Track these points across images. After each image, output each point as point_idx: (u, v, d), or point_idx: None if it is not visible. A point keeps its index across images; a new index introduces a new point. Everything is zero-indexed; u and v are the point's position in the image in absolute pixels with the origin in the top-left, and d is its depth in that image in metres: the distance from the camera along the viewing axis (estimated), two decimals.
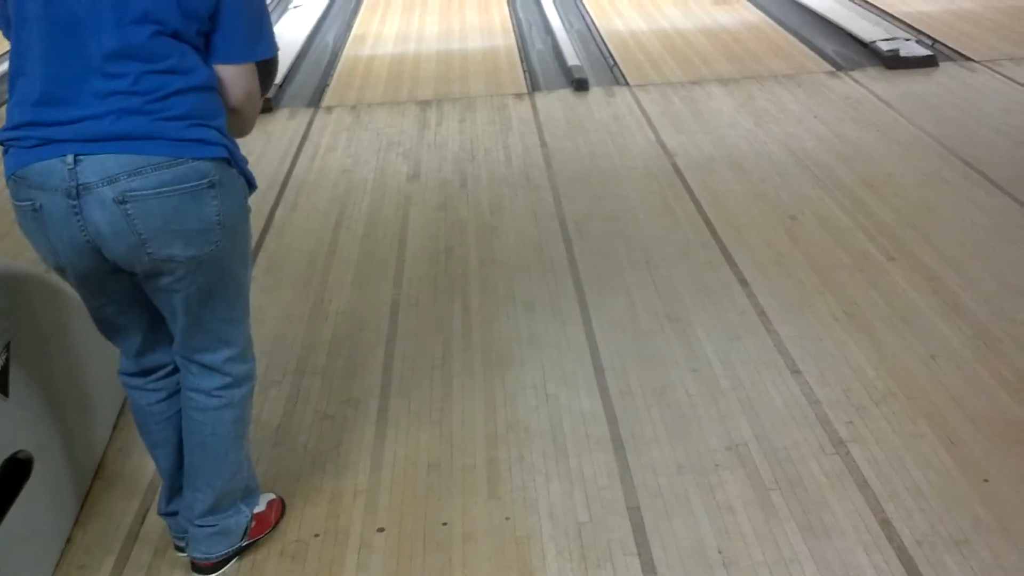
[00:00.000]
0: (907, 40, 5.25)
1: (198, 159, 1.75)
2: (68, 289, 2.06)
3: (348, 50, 6.02)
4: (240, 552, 2.10)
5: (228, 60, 1.80)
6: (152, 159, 1.71)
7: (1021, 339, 2.65)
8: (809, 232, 3.34)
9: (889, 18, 5.88)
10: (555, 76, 5.26)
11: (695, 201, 3.62)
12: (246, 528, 2.11)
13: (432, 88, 5.22)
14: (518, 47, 5.89)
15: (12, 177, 1.75)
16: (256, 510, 2.14)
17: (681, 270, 3.13)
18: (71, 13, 1.70)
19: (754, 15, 6.27)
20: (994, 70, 4.89)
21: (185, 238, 1.78)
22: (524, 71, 5.40)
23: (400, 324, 2.92)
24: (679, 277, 3.08)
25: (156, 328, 1.98)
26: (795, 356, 2.63)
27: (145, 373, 2.04)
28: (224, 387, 1.99)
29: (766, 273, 3.06)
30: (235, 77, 1.81)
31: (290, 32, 6.18)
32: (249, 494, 2.13)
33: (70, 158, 1.70)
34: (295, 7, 6.97)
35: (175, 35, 1.72)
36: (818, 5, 6.17)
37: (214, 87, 1.79)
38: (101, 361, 2.38)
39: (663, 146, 4.17)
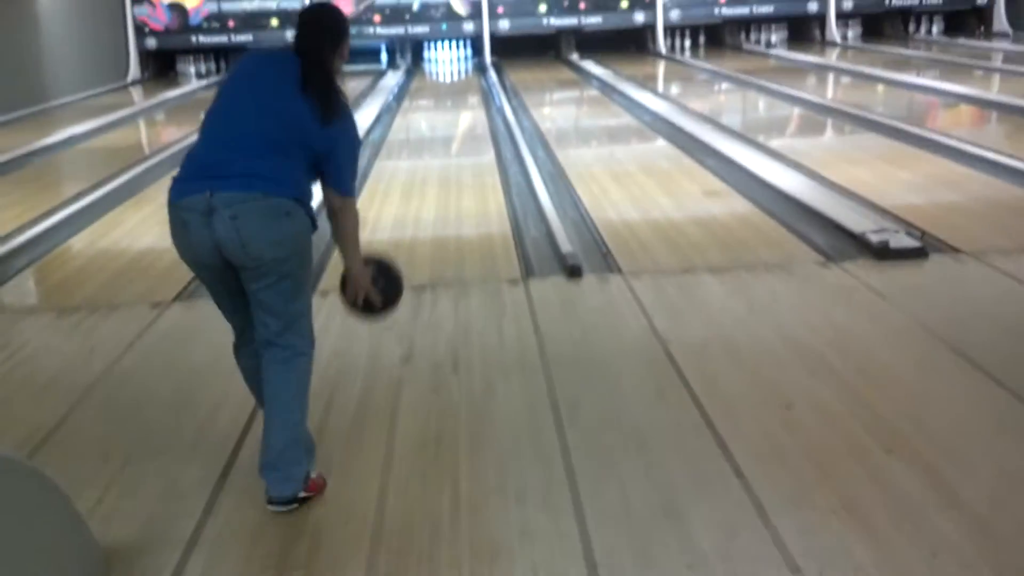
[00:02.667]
0: (896, 232, 5.33)
1: (279, 197, 2.80)
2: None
3: None
4: (301, 501, 2.88)
5: (337, 190, 2.98)
6: (253, 194, 2.78)
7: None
8: (805, 421, 3.31)
9: (877, 210, 5.99)
10: (549, 262, 5.32)
11: (689, 388, 3.59)
12: (305, 478, 2.91)
13: (427, 272, 5.27)
14: (512, 233, 5.99)
15: (173, 205, 2.85)
16: (311, 471, 2.95)
17: (675, 459, 3.07)
18: (244, 125, 2.88)
19: (744, 206, 6.40)
20: (983, 261, 4.95)
21: (269, 245, 2.79)
22: (518, 257, 5.47)
23: (387, 514, 2.84)
24: (673, 466, 3.03)
25: (248, 315, 2.95)
26: (794, 552, 2.54)
27: (243, 344, 3.06)
28: (288, 357, 2.92)
29: (763, 463, 3.01)
30: (334, 198, 2.98)
31: None
32: (308, 453, 2.96)
33: (207, 193, 2.78)
34: None
35: (296, 156, 2.87)
36: (807, 197, 6.30)
37: (308, 191, 2.92)
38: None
39: (656, 333, 4.17)
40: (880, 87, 12.65)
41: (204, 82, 17.23)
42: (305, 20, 3.04)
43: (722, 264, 5.11)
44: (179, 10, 17.94)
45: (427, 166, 8.75)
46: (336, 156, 2.93)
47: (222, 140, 2.89)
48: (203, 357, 4.18)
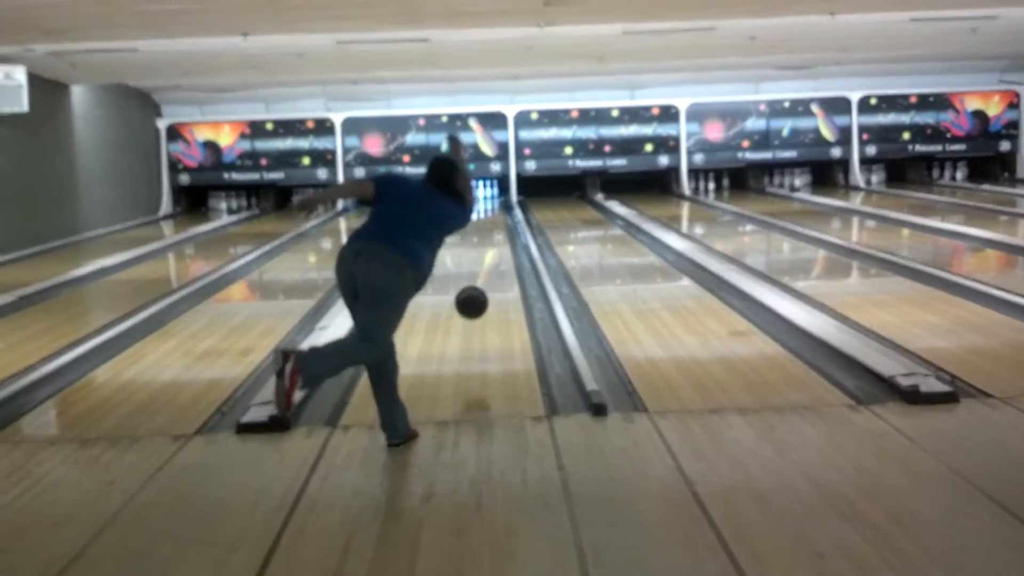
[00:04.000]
0: (926, 376, 5.27)
1: (399, 255, 4.44)
2: None
3: None
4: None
5: None
6: (386, 247, 4.44)
7: None
8: (838, 570, 3.20)
9: (907, 353, 5.94)
10: (573, 400, 5.27)
11: (716, 532, 3.50)
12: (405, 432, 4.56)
13: (450, 409, 5.23)
14: (537, 370, 5.96)
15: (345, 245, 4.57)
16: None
17: None
18: (402, 215, 4.56)
19: (771, 347, 6.36)
20: (1014, 406, 4.87)
21: (383, 281, 4.41)
22: (543, 394, 5.43)
23: None
24: None
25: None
26: None
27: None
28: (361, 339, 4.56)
29: None
30: None
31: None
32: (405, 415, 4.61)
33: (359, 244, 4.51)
34: (321, 328, 7.14)
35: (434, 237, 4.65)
36: (834, 339, 6.26)
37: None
38: None
39: (683, 474, 4.09)
40: (905, 231, 12.72)
41: (235, 217, 17.56)
42: (432, 171, 4.75)
43: (749, 405, 5.05)
44: (213, 147, 18.41)
45: (453, 301, 8.77)
46: (458, 222, 4.81)
47: (382, 220, 4.57)
48: (221, 493, 4.13)
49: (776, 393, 5.29)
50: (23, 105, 12.47)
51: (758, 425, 4.72)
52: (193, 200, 18.66)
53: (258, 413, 5.02)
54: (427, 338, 6.97)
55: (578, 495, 3.91)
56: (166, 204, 18.11)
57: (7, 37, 11.00)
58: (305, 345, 4.75)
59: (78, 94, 15.11)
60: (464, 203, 4.74)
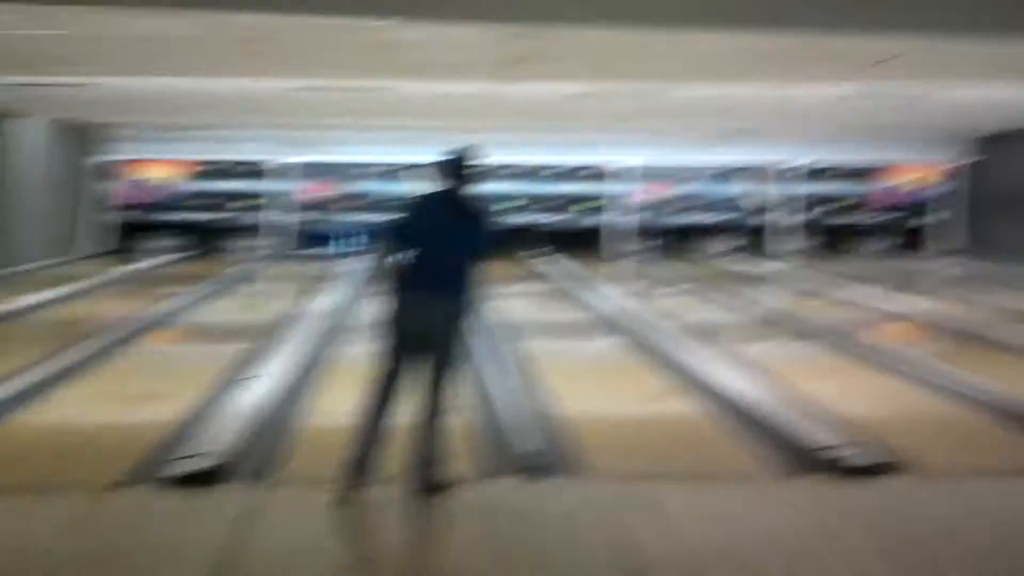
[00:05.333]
0: (854, 446, 5.33)
1: (455, 299, 4.57)
2: None
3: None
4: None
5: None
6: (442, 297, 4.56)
7: None
8: None
9: (836, 421, 6.01)
10: (503, 461, 5.25)
11: None
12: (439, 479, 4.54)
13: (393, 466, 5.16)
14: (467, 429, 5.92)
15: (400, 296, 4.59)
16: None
17: None
18: (438, 258, 4.58)
19: (700, 411, 6.41)
20: (944, 480, 4.94)
21: (449, 330, 4.56)
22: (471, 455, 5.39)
23: None
24: None
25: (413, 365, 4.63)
26: None
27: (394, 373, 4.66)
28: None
29: None
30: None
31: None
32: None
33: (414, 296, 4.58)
34: (252, 377, 7.04)
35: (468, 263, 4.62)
36: (764, 405, 6.30)
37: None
38: None
39: (614, 544, 4.08)
40: (826, 300, 12.94)
41: (166, 257, 17.31)
42: (447, 161, 4.66)
43: (677, 472, 5.07)
44: (150, 187, 18.19)
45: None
46: (484, 238, 4.68)
47: (429, 268, 4.57)
48: (147, 548, 4.03)
49: (704, 461, 5.32)
50: None
51: (689, 493, 4.72)
52: (125, 238, 18.35)
53: (182, 465, 4.91)
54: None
55: (507, 562, 3.88)
56: (97, 241, 17.81)
57: None
58: (424, 465, 4.58)
59: (17, 127, 14.85)
60: (481, 219, 4.68)
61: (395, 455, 4.61)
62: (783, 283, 15.15)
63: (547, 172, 19.00)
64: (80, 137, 17.46)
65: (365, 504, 4.53)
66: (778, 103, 13.25)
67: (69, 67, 10.28)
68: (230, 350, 8.40)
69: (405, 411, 4.61)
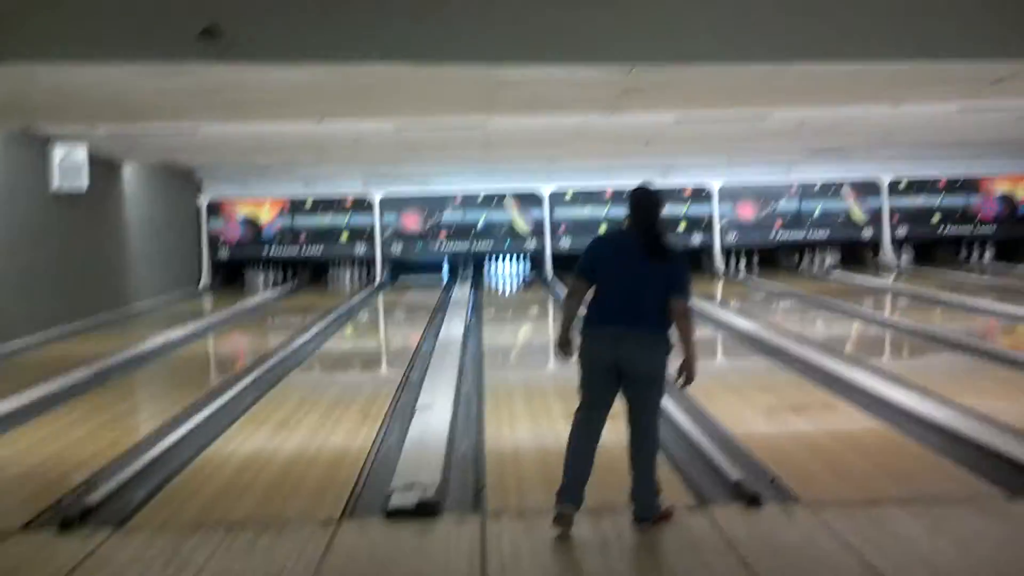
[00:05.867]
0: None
1: (658, 334, 4.54)
2: None
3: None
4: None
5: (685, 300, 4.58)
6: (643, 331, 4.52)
7: None
8: None
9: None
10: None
11: None
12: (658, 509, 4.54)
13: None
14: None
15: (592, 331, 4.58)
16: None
17: None
18: (636, 291, 4.49)
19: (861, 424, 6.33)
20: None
21: (653, 365, 4.54)
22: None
23: None
24: None
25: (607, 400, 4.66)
26: None
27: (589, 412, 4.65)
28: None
29: None
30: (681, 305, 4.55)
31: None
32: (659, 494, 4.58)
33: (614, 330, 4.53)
34: (422, 408, 7.11)
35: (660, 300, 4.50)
36: (948, 422, 6.21)
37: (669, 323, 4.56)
38: None
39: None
40: (953, 311, 12.76)
41: (274, 292, 17.58)
42: (636, 201, 4.61)
43: (896, 495, 4.99)
44: (252, 224, 18.52)
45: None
46: (681, 278, 4.54)
47: (616, 303, 4.51)
48: None
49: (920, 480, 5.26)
50: (83, 183, 12.55)
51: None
52: (230, 275, 18.72)
53: (404, 498, 4.95)
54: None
55: None
56: (205, 278, 18.21)
57: (75, 116, 11.05)
58: (645, 495, 4.54)
59: (128, 172, 15.24)
60: (670, 256, 4.57)
61: (608, 480, 4.63)
62: (902, 296, 14.97)
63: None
64: (185, 179, 17.86)
65: (587, 533, 4.54)
66: (891, 119, 13.09)
67: (184, 115, 10.51)
68: (381, 378, 8.52)
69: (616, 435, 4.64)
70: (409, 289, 17.88)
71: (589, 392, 4.59)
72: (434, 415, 6.83)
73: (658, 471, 4.60)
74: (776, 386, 7.99)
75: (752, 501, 4.85)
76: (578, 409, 4.63)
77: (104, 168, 14.13)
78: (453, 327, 11.72)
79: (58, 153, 12.23)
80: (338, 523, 4.81)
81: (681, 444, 6.02)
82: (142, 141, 12.92)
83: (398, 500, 4.93)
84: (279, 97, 9.06)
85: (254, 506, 5.24)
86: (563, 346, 4.70)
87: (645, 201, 4.61)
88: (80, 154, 12.44)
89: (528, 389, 8.22)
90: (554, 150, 15.26)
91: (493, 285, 18.44)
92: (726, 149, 16.12)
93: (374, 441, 6.31)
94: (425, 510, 4.80)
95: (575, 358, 4.62)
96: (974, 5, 6.42)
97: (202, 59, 5.53)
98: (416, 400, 7.45)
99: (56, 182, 12.29)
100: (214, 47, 5.28)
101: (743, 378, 8.69)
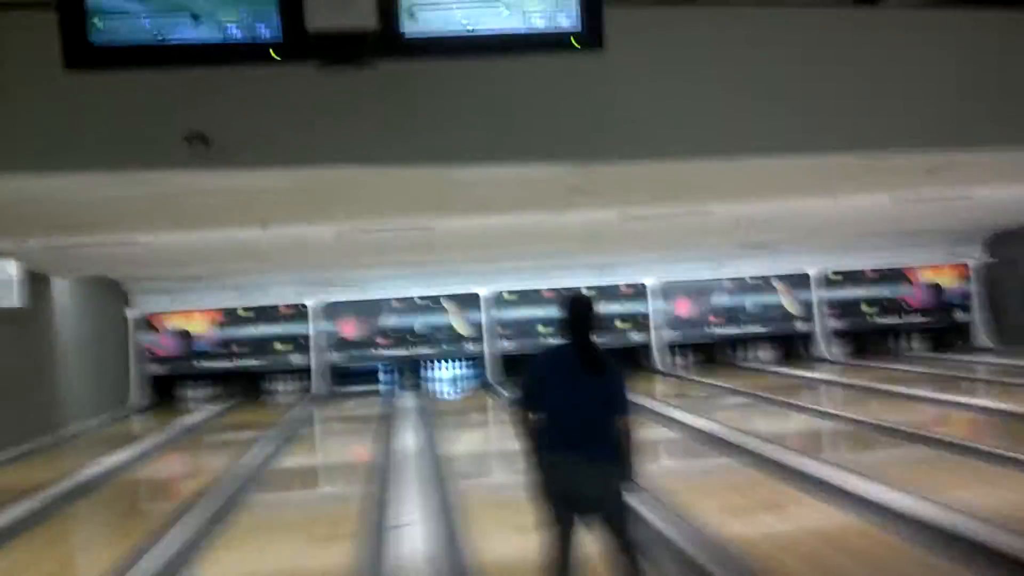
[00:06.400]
0: None
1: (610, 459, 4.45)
2: None
3: None
4: None
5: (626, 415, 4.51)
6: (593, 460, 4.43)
7: None
8: None
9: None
10: None
11: None
12: None
13: None
14: None
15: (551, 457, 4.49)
16: None
17: None
18: (580, 409, 4.46)
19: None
20: None
21: (610, 490, 4.49)
22: None
23: None
24: None
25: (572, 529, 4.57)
26: None
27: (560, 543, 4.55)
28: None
29: None
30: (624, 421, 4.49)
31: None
32: None
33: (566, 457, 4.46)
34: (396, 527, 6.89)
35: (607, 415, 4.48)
36: (935, 516, 6.16)
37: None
38: None
39: None
40: (897, 401, 12.87)
41: (209, 409, 17.04)
42: (572, 311, 4.56)
43: None
44: (184, 336, 18.10)
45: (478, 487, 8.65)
46: (619, 394, 4.49)
47: (565, 426, 4.44)
48: None
49: None
50: (14, 300, 12.14)
51: None
52: (165, 390, 18.13)
53: None
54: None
55: None
56: (135, 395, 17.62)
57: (7, 231, 10.70)
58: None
59: (58, 286, 14.82)
60: (607, 368, 4.50)
61: None
62: (838, 389, 15.11)
63: (594, 293, 19.04)
64: (113, 292, 17.42)
65: None
66: (823, 212, 13.35)
67: (127, 226, 10.28)
68: (340, 496, 8.26)
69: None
70: (349, 399, 17.52)
71: (553, 513, 4.52)
72: (408, 532, 6.61)
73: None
74: (741, 485, 7.93)
75: None
76: (545, 528, 4.54)
77: (33, 283, 13.72)
78: (404, 437, 11.47)
79: None
80: None
81: (666, 554, 5.91)
82: (73, 253, 12.56)
83: None
84: (232, 201, 8.89)
85: None
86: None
87: (580, 308, 4.58)
88: (11, 269, 12.04)
89: (499, 499, 8.02)
90: (498, 250, 15.26)
91: (435, 390, 18.16)
92: (665, 245, 16.28)
93: (351, 566, 6.05)
94: None
95: (533, 481, 4.56)
96: (909, 96, 6.67)
97: (188, 167, 5.48)
98: (382, 516, 7.21)
99: None
100: (202, 154, 5.23)
101: (708, 478, 8.61)
